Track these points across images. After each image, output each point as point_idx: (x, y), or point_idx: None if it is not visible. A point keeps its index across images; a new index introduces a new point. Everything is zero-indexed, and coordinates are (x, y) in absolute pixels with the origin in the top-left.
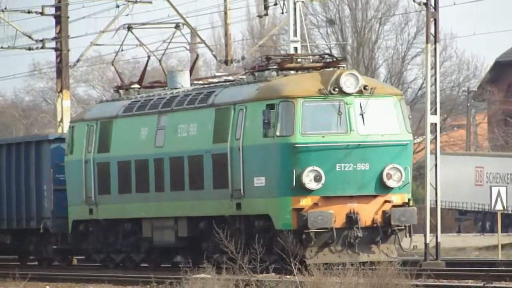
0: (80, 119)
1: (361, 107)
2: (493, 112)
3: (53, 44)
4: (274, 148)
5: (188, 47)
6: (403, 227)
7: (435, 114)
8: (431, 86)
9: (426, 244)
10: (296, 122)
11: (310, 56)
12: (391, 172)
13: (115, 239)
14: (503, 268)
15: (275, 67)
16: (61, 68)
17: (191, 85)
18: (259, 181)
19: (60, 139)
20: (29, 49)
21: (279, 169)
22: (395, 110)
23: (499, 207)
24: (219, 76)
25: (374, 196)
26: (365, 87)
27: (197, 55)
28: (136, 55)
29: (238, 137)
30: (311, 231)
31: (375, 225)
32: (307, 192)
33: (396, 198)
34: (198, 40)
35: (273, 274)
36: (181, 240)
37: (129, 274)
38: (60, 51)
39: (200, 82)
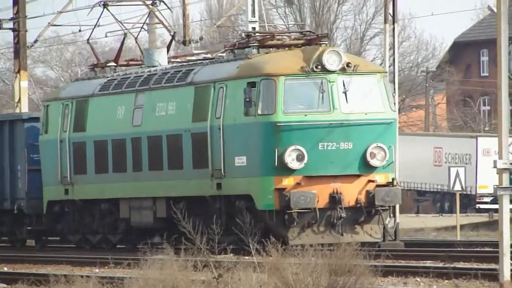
0: (54, 98)
1: (344, 85)
2: (451, 92)
3: (10, 24)
4: (255, 127)
5: (146, 27)
6: (387, 207)
7: (394, 94)
8: (389, 67)
9: (384, 225)
10: (278, 100)
11: (291, 33)
12: (374, 151)
13: (91, 220)
14: (462, 249)
15: (255, 44)
16: (19, 48)
17: (168, 63)
18: (240, 160)
19: (34, 118)
20: None
21: (261, 148)
22: (379, 87)
23: (457, 187)
24: (198, 54)
25: (358, 176)
26: (348, 64)
27: (174, 33)
28: (94, 35)
29: (218, 116)
30: (294, 211)
31: (358, 205)
32: (290, 171)
33: (380, 178)
34: (156, 20)
35: (231, 255)
36: (159, 221)
37: (86, 255)
38: (18, 32)
39: (178, 60)
